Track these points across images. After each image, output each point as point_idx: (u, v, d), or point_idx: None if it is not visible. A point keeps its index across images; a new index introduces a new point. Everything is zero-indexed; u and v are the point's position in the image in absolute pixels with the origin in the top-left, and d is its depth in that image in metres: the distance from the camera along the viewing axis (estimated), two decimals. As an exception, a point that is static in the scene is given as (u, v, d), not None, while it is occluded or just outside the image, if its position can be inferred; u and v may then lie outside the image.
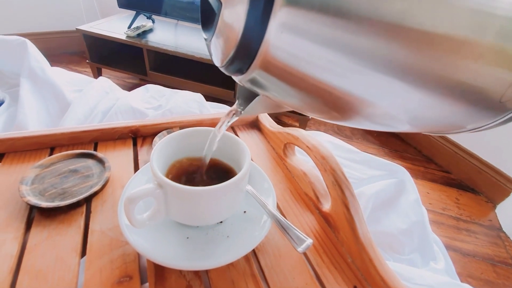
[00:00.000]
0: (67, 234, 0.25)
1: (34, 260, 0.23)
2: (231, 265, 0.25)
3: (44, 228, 0.26)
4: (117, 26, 1.46)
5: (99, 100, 0.44)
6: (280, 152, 0.38)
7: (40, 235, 0.25)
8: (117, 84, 1.24)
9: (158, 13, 1.42)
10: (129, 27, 1.43)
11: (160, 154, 0.24)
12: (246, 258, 0.25)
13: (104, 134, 0.36)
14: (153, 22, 1.54)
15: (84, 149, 0.33)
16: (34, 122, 0.39)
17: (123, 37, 1.36)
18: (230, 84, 1.35)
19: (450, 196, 1.27)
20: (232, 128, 0.43)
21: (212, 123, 0.41)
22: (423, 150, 1.50)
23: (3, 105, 0.41)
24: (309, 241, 0.23)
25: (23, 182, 0.28)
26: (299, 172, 0.34)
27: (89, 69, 1.61)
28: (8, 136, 0.33)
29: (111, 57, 1.51)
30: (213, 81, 1.39)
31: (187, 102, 0.46)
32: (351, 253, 0.27)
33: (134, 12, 1.46)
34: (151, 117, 0.43)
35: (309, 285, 0.24)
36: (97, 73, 1.54)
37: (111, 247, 0.25)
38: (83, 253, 0.24)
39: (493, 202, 1.22)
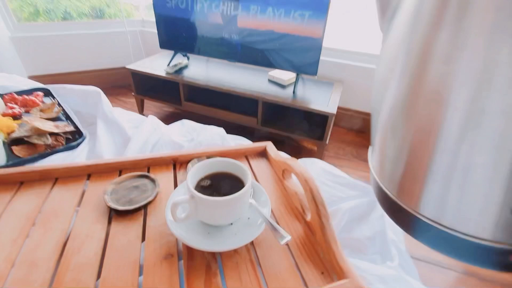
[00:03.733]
0: (133, 227, 0.39)
1: (114, 242, 0.38)
2: (236, 252, 0.37)
3: (119, 223, 0.40)
4: (158, 63, 1.72)
5: (149, 135, 0.61)
6: (280, 175, 0.50)
7: (116, 227, 0.40)
8: (156, 112, 1.47)
9: (192, 51, 1.66)
10: (168, 64, 1.68)
11: (192, 175, 0.38)
12: (247, 248, 0.37)
13: (155, 161, 0.51)
14: (188, 59, 1.78)
15: (141, 172, 0.48)
16: (107, 152, 0.56)
17: (163, 73, 1.61)
18: (252, 112, 1.50)
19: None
20: (246, 157, 0.56)
21: (231, 153, 0.54)
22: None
23: (85, 140, 0.59)
24: (288, 237, 0.35)
25: (105, 193, 0.43)
26: (292, 191, 0.46)
27: (134, 100, 1.88)
28: (93, 163, 0.49)
29: (152, 90, 1.76)
30: (237, 109, 1.56)
31: (213, 136, 0.61)
32: (322, 250, 0.37)
33: (173, 52, 1.72)
34: (186, 149, 0.58)
35: (289, 269, 0.35)
36: (141, 103, 1.80)
37: (160, 236, 0.38)
38: (143, 239, 0.38)
39: None
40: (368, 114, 1.77)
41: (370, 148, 0.34)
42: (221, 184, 0.39)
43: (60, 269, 0.34)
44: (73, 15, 2.40)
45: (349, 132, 1.83)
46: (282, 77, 1.55)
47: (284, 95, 1.46)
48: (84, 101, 0.71)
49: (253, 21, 1.43)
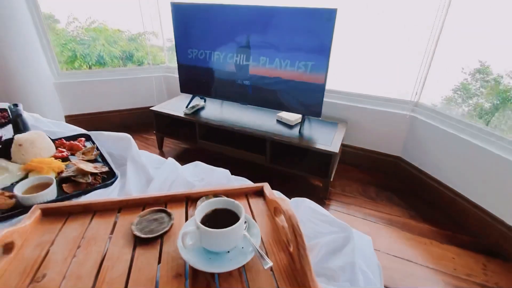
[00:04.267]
0: (152, 252, 0.51)
1: (137, 263, 0.49)
2: (230, 274, 0.47)
3: (141, 248, 0.52)
4: (178, 105, 1.93)
5: (167, 175, 0.74)
6: (272, 212, 0.61)
7: (139, 251, 0.51)
8: (173, 148, 1.64)
9: (209, 95, 1.87)
10: (187, 106, 1.89)
11: (199, 211, 0.50)
12: (239, 271, 0.47)
13: (171, 198, 0.63)
14: (205, 101, 1.99)
15: (160, 207, 0.61)
16: (134, 189, 0.69)
17: (181, 114, 1.80)
18: (261, 150, 1.64)
19: (477, 262, 1.27)
20: (246, 195, 0.67)
21: (234, 192, 0.66)
22: (452, 214, 1.51)
23: (117, 179, 0.73)
24: (270, 263, 0.45)
25: (132, 224, 0.56)
26: (280, 225, 0.56)
27: (154, 137, 2.08)
28: (123, 199, 0.62)
29: (171, 128, 1.96)
30: (247, 147, 1.70)
31: (219, 177, 0.73)
32: (299, 276, 0.47)
33: (191, 95, 1.94)
34: (197, 188, 0.71)
35: (272, 286, 0.45)
36: (160, 140, 1.99)
37: (172, 259, 0.49)
38: (159, 261, 0.49)
39: None
40: (373, 152, 1.86)
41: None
42: (221, 218, 0.50)
43: (98, 281, 0.45)
44: (105, 59, 2.76)
45: (355, 169, 1.90)
46: (289, 118, 1.70)
47: (291, 135, 1.59)
48: (117, 145, 0.87)
49: (263, 70, 1.63)
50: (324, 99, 1.79)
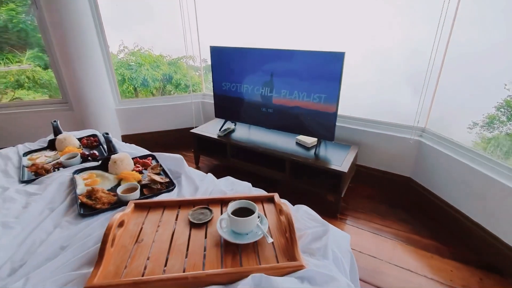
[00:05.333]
0: (201, 231, 0.84)
1: (192, 238, 0.82)
2: (247, 246, 0.78)
3: (195, 229, 0.86)
4: (213, 128, 2.33)
5: (208, 185, 1.09)
6: (278, 212, 0.92)
7: (194, 231, 0.85)
8: (207, 164, 2.05)
9: (239, 120, 2.25)
10: (220, 129, 2.27)
11: (230, 207, 0.82)
12: (253, 245, 0.79)
13: (211, 201, 0.97)
14: (235, 125, 2.37)
15: (205, 205, 0.95)
16: (186, 193, 1.04)
17: (215, 136, 2.19)
18: (281, 168, 1.95)
19: (474, 276, 1.42)
20: (261, 201, 0.99)
21: (253, 198, 0.98)
22: (455, 232, 1.67)
23: (176, 187, 1.09)
24: (271, 240, 0.76)
25: (188, 215, 0.90)
26: (282, 221, 0.87)
27: (192, 154, 2.48)
28: (181, 199, 0.97)
29: (207, 147, 2.34)
30: (270, 165, 2.02)
31: (244, 188, 1.06)
32: (290, 250, 0.77)
33: (224, 119, 2.33)
34: (228, 194, 1.04)
35: (271, 258, 0.75)
36: (197, 157, 2.39)
37: (213, 236, 0.82)
38: (205, 236, 0.82)
39: None
40: (384, 172, 2.07)
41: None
42: (243, 212, 0.82)
43: (172, 245, 0.79)
44: (148, 81, 3.30)
45: (368, 188, 2.12)
46: (306, 141, 2.00)
47: (307, 156, 1.88)
48: (173, 163, 1.25)
49: (284, 100, 1.96)
50: (339, 124, 2.08)
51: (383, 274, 1.41)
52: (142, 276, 0.68)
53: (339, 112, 1.86)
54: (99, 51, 2.38)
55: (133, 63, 3.18)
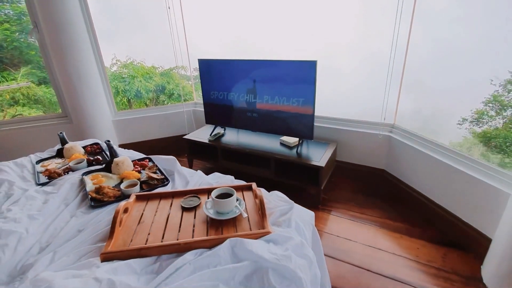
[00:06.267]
0: (191, 213, 1.06)
1: (184, 218, 1.03)
2: (228, 221, 0.99)
3: (186, 212, 1.07)
4: (204, 133, 2.55)
5: (197, 180, 1.30)
6: (254, 197, 1.13)
7: (185, 213, 1.06)
8: (200, 167, 2.27)
9: (228, 125, 2.47)
10: (210, 134, 2.49)
11: (214, 193, 1.04)
12: (233, 220, 1.00)
13: (200, 191, 1.19)
14: (224, 130, 2.59)
15: (195, 194, 1.16)
16: (179, 187, 1.25)
17: (206, 141, 2.41)
18: (267, 166, 2.16)
19: (438, 252, 1.63)
20: (241, 189, 1.20)
21: (234, 187, 1.19)
22: (423, 215, 1.89)
23: (170, 183, 1.30)
24: (246, 215, 0.98)
25: (181, 202, 1.11)
26: (257, 203, 1.08)
27: (186, 159, 2.69)
28: (174, 191, 1.18)
29: (198, 151, 2.56)
30: (256, 164, 2.24)
31: (227, 180, 1.27)
32: (261, 223, 0.98)
33: (214, 125, 2.55)
34: (214, 185, 1.25)
35: (247, 228, 0.97)
36: (190, 161, 2.60)
37: (201, 216, 1.03)
38: (195, 217, 1.03)
39: (481, 259, 1.50)
40: (361, 166, 2.30)
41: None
42: (224, 196, 1.04)
43: (168, 224, 1.00)
44: (142, 92, 3.50)
45: (347, 180, 2.35)
46: (289, 141, 2.23)
47: (290, 154, 2.10)
48: (167, 163, 1.46)
49: (266, 105, 2.19)
50: (318, 124, 2.31)
51: (357, 254, 1.63)
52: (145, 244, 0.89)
53: (318, 114, 2.09)
54: (95, 67, 2.61)
55: (126, 76, 3.39)
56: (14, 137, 2.73)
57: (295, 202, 1.11)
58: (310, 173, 2.05)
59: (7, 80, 2.93)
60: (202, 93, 2.48)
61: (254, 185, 1.20)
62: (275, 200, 1.13)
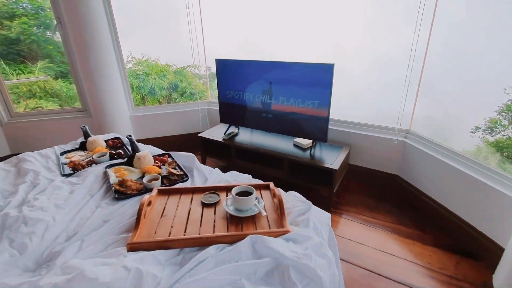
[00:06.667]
0: (211, 209, 1.09)
1: (205, 214, 1.06)
2: (247, 218, 1.02)
3: (206, 208, 1.10)
4: (218, 132, 2.58)
5: (216, 177, 1.33)
6: (272, 196, 1.15)
7: (205, 209, 1.09)
8: (213, 165, 2.26)
9: (242, 125, 2.50)
10: (224, 133, 2.53)
11: (234, 190, 1.06)
12: (252, 217, 1.03)
13: (218, 188, 1.22)
14: (238, 129, 2.62)
15: (214, 191, 1.19)
16: (198, 184, 1.28)
17: (220, 140, 2.44)
18: (280, 167, 2.18)
19: (451, 260, 1.62)
20: (259, 188, 1.22)
21: (252, 185, 1.22)
22: (436, 222, 1.88)
23: (189, 179, 1.33)
24: (265, 213, 1.00)
25: (201, 198, 1.14)
26: (275, 202, 1.11)
27: (199, 157, 2.73)
28: (194, 187, 1.22)
29: (213, 150, 2.60)
30: (270, 164, 2.26)
31: (245, 179, 1.30)
32: (280, 222, 1.00)
33: (228, 124, 2.58)
34: (232, 183, 1.28)
35: (266, 226, 0.99)
36: (204, 159, 2.64)
37: (220, 212, 1.06)
38: (215, 213, 1.06)
39: (493, 268, 1.48)
40: (374, 170, 2.29)
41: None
42: (244, 194, 1.06)
43: (189, 218, 1.03)
44: (155, 90, 3.56)
45: (359, 184, 2.34)
46: (302, 142, 2.24)
47: (303, 156, 2.12)
48: (186, 160, 1.50)
49: (281, 106, 2.21)
50: (332, 127, 2.32)
51: (368, 258, 1.63)
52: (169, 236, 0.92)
53: (333, 117, 2.10)
54: (115, 63, 2.67)
55: (140, 73, 3.46)
56: (35, 129, 2.83)
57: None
58: (323, 175, 2.05)
59: (24, 73, 3.02)
60: (218, 93, 2.52)
61: (271, 184, 1.22)
62: (293, 200, 1.15)
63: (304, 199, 1.15)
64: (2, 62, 2.78)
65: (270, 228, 0.98)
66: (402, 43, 1.97)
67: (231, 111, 2.51)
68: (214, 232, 0.96)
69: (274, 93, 2.22)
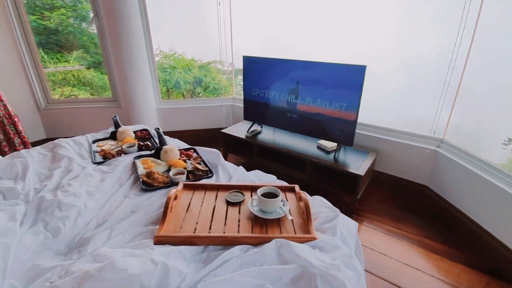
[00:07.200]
0: (235, 208, 1.08)
1: (230, 212, 1.06)
2: (272, 221, 1.00)
3: (230, 206, 1.09)
4: (241, 129, 2.57)
5: (240, 175, 1.32)
6: (297, 199, 1.13)
7: (230, 208, 1.08)
8: (234, 162, 2.25)
9: (265, 123, 2.48)
10: (247, 131, 2.52)
11: (259, 191, 1.05)
12: (277, 220, 1.00)
13: (243, 187, 1.20)
14: (261, 127, 2.60)
15: (238, 190, 1.18)
16: (222, 180, 1.28)
17: (243, 137, 2.43)
18: (302, 169, 2.14)
19: (481, 280, 1.52)
20: (284, 190, 1.20)
21: (277, 187, 1.19)
22: (466, 238, 1.77)
23: (214, 175, 1.33)
24: (291, 218, 0.97)
25: (226, 196, 1.14)
26: (300, 205, 1.08)
27: (221, 152, 2.73)
28: (219, 184, 1.21)
29: (235, 147, 2.60)
30: (291, 165, 2.22)
31: (269, 179, 1.28)
32: (306, 227, 0.97)
33: (251, 122, 2.57)
34: (257, 183, 1.26)
35: (292, 231, 0.96)
36: (225, 155, 2.65)
37: (245, 212, 1.05)
38: (239, 212, 1.05)
39: None
40: (401, 179, 2.20)
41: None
42: (269, 196, 1.04)
43: (214, 216, 1.03)
44: (180, 83, 3.61)
45: (384, 192, 2.25)
46: (327, 145, 2.18)
47: (327, 159, 2.06)
48: (210, 156, 1.50)
49: (307, 107, 2.17)
50: (359, 131, 2.25)
51: (392, 270, 1.56)
52: (194, 233, 0.92)
53: (359, 120, 2.02)
54: (146, 56, 2.73)
55: (167, 66, 3.52)
56: (69, 116, 2.96)
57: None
58: (347, 180, 1.99)
59: (60, 62, 3.18)
60: (243, 89, 2.50)
61: (297, 187, 1.19)
62: (319, 205, 1.12)
63: (331, 204, 1.11)
64: (41, 51, 2.93)
65: (295, 233, 0.95)
66: (439, 47, 1.86)
67: (256, 109, 2.49)
68: (238, 231, 0.95)
69: (300, 93, 2.18)
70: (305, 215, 1.00)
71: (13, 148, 2.24)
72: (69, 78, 3.29)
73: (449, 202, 1.92)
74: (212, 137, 3.08)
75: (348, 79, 1.92)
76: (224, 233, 0.94)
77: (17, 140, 2.27)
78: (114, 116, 1.80)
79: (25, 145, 2.31)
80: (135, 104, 2.75)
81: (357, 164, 1.98)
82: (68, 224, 0.99)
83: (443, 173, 1.96)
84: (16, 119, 2.25)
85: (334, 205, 1.10)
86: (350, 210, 2.00)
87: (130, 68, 2.60)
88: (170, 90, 3.64)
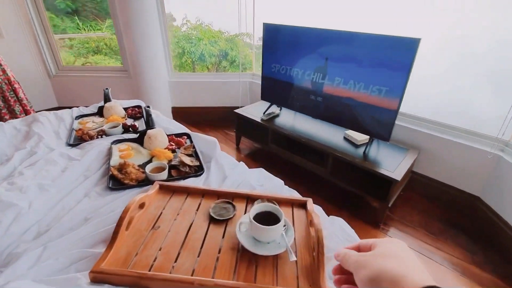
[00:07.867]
0: (220, 228, 0.76)
1: (210, 234, 0.75)
2: (266, 258, 0.68)
3: (214, 225, 0.78)
4: (257, 110, 2.21)
5: (237, 177, 0.99)
6: (308, 222, 0.78)
7: (212, 226, 0.77)
8: (247, 146, 1.93)
9: (285, 105, 2.09)
10: (264, 112, 2.15)
11: (253, 210, 0.72)
12: (273, 257, 0.68)
13: (237, 195, 0.88)
14: (280, 110, 2.22)
15: (229, 199, 0.86)
16: (214, 182, 0.97)
17: (258, 120, 2.08)
18: (322, 162, 1.77)
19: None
20: (292, 205, 0.86)
21: (283, 200, 0.86)
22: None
23: (204, 173, 1.02)
24: (294, 258, 0.64)
25: (210, 208, 0.82)
26: (312, 234, 0.74)
27: (234, 134, 2.42)
28: (206, 188, 0.90)
29: (248, 129, 2.25)
30: (310, 157, 1.86)
31: (275, 186, 0.94)
32: (315, 274, 0.64)
33: (269, 103, 2.19)
34: (256, 191, 0.93)
35: (292, 277, 0.64)
36: (238, 138, 2.33)
37: (232, 237, 0.73)
38: (223, 236, 0.74)
39: None
40: (446, 186, 1.76)
41: None
42: (267, 218, 0.71)
43: (187, 238, 0.73)
44: (205, 56, 3.28)
45: (422, 200, 1.83)
46: (356, 137, 1.77)
47: (355, 154, 1.67)
48: (206, 146, 1.18)
49: (336, 89, 1.74)
50: (397, 122, 1.79)
51: (425, 305, 1.20)
52: (150, 269, 0.63)
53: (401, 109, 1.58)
54: (157, 22, 2.39)
55: (193, 37, 3.19)
56: (78, 84, 2.76)
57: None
58: (378, 183, 1.60)
59: (94, 30, 3.00)
60: (262, 65, 2.11)
61: (310, 202, 0.85)
62: (337, 233, 0.77)
63: (356, 236, 0.76)
64: (77, 18, 2.75)
65: (298, 283, 0.62)
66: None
67: (275, 88, 2.10)
68: (215, 269, 0.64)
69: (329, 71, 1.75)
70: (316, 254, 0.66)
71: (14, 116, 2.09)
72: (102, 47, 3.11)
73: (505, 221, 1.47)
74: (227, 117, 2.75)
75: (394, 57, 1.46)
76: (193, 271, 0.63)
77: (18, 108, 2.11)
78: (106, 89, 1.52)
79: (26, 113, 2.15)
80: (145, 75, 2.47)
81: (393, 164, 1.57)
82: (0, 230, 0.74)
83: (504, 183, 1.50)
84: (16, 85, 2.07)
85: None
86: (377, 217, 1.62)
87: (138, 32, 2.29)
88: (195, 63, 3.34)
